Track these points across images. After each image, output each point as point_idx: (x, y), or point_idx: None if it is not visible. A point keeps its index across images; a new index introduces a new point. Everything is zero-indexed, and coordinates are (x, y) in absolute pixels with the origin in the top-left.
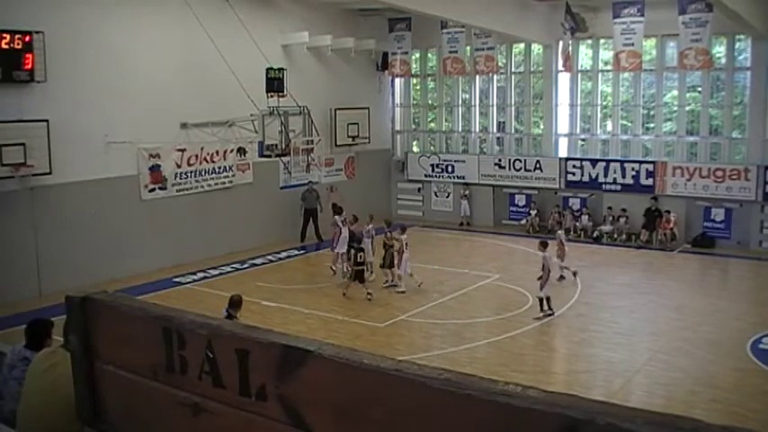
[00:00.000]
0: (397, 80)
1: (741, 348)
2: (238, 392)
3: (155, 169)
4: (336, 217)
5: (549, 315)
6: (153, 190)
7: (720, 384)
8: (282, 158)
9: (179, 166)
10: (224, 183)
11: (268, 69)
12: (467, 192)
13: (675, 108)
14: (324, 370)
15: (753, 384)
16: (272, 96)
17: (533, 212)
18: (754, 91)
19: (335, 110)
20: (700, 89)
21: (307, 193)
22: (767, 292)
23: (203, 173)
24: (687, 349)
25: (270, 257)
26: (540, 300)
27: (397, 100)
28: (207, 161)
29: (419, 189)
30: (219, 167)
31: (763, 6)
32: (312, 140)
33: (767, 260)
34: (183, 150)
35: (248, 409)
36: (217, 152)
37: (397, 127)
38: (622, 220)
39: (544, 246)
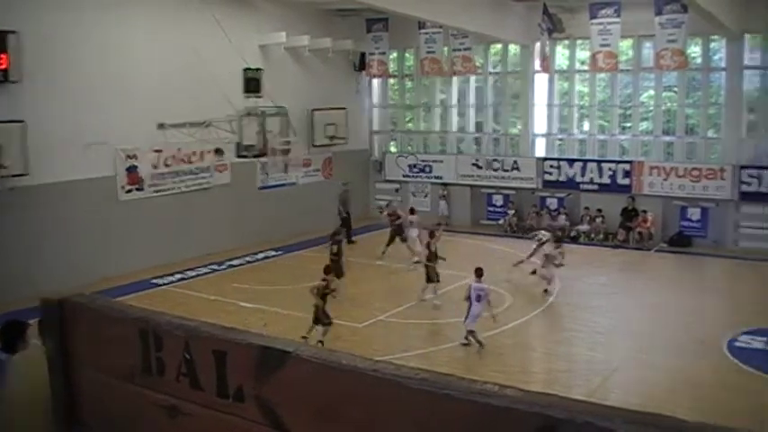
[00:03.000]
0: (375, 80)
1: (718, 347)
2: (216, 394)
3: (132, 170)
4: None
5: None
6: (130, 191)
7: (697, 382)
8: (260, 159)
9: (156, 167)
10: (201, 183)
11: (245, 70)
12: (445, 192)
13: (652, 108)
14: (302, 371)
15: (730, 381)
16: (249, 97)
17: (511, 212)
18: (729, 91)
19: (313, 110)
20: (676, 89)
21: (346, 194)
22: (743, 290)
23: (180, 173)
24: (665, 348)
25: (248, 258)
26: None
27: (375, 100)
28: (184, 162)
29: (397, 189)
30: (197, 168)
31: (737, 8)
32: (290, 141)
33: (743, 259)
34: (159, 151)
35: (226, 410)
36: (194, 153)
37: (375, 127)
38: (599, 219)
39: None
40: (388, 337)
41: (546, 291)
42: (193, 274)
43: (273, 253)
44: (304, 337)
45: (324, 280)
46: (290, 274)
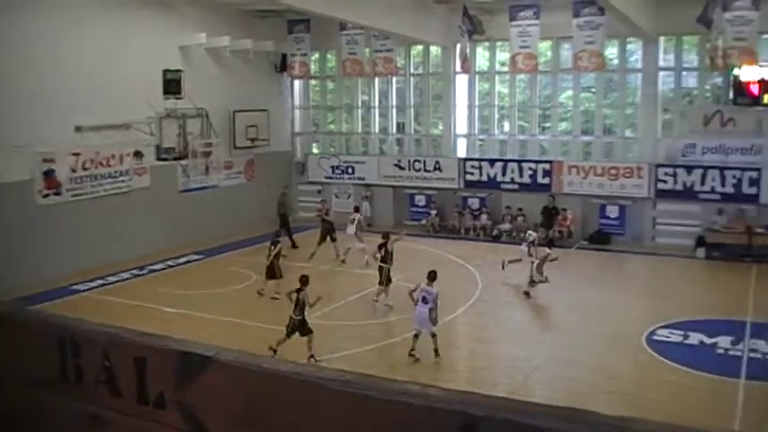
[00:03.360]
0: (297, 82)
1: (637, 340)
2: (136, 401)
3: (49, 174)
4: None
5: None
6: (47, 195)
7: (619, 376)
8: (180, 162)
9: (74, 171)
10: (120, 187)
11: (165, 71)
12: (367, 193)
13: (570, 108)
14: (223, 375)
15: (649, 375)
16: (169, 98)
17: (433, 212)
18: (645, 92)
19: (234, 112)
20: (593, 90)
21: (284, 197)
22: (660, 285)
23: (99, 177)
24: (586, 343)
25: (169, 263)
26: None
27: (297, 101)
28: (103, 165)
29: (319, 191)
30: (116, 172)
31: (652, 11)
32: (211, 143)
33: (660, 255)
34: (78, 154)
35: (147, 417)
36: (113, 156)
37: (297, 129)
38: (520, 218)
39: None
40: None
41: (526, 293)
42: (114, 279)
43: (196, 257)
44: (311, 356)
45: (300, 290)
46: (214, 277)
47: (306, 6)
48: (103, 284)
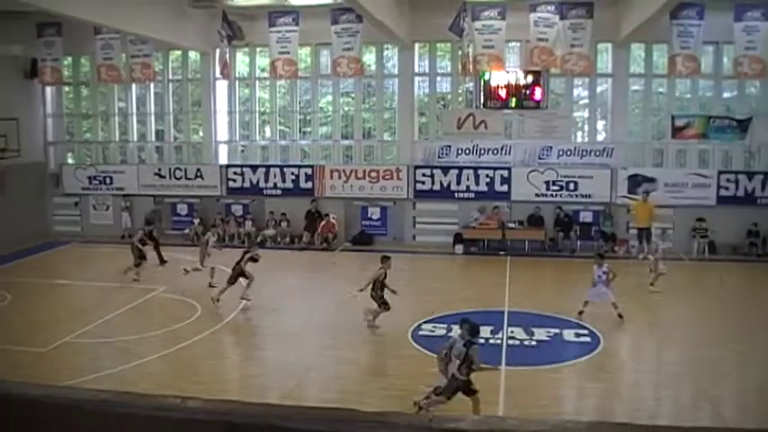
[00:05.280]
0: (49, 88)
1: (403, 336)
2: None
3: None
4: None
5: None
6: None
7: (388, 372)
8: None
9: None
10: None
11: None
12: (127, 203)
13: (330, 113)
14: None
15: (417, 368)
16: None
17: (196, 221)
18: (402, 96)
19: None
20: (353, 95)
21: (154, 213)
22: (422, 282)
23: None
24: (355, 342)
25: None
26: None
27: (49, 109)
28: None
29: (76, 203)
30: None
31: (407, 19)
32: None
33: (421, 253)
34: None
35: None
36: None
37: (50, 138)
38: (284, 223)
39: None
40: (76, 359)
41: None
42: None
43: None
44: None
45: (471, 342)
46: None
47: (54, 8)
48: None
